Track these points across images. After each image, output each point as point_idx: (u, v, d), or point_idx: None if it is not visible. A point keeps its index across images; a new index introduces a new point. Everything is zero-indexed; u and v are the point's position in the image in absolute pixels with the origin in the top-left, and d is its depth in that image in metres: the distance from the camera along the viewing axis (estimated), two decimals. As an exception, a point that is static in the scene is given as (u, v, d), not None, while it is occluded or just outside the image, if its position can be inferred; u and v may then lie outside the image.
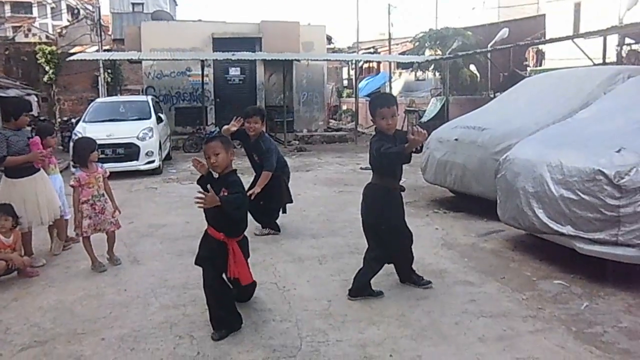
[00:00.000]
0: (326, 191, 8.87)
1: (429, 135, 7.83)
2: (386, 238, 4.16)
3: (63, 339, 3.64)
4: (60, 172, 6.33)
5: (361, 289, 4.16)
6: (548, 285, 4.35)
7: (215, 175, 3.71)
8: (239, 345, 3.46)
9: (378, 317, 3.82)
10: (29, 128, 5.43)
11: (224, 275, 3.67)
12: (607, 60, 11.49)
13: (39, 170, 5.29)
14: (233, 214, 3.52)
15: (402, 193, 4.24)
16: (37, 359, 3.38)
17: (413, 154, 4.32)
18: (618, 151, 4.29)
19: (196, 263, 3.78)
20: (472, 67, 20.21)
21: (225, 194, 3.51)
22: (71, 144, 9.61)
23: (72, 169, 5.30)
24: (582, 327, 3.60)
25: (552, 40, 13.85)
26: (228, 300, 3.69)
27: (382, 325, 3.68)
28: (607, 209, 4.12)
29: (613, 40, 12.88)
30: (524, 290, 4.25)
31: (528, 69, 18.97)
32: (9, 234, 4.87)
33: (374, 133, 4.21)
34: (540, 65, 19.39)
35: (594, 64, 10.74)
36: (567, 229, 4.42)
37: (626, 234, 4.06)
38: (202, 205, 3.43)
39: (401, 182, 4.25)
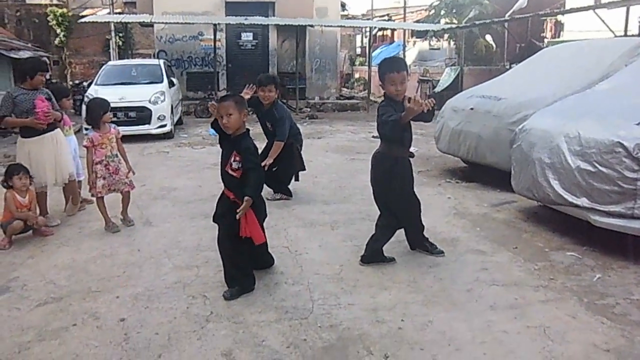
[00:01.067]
0: (338, 158, 8.84)
1: (442, 105, 7.79)
2: (395, 206, 4.14)
3: (78, 296, 3.70)
4: (74, 134, 6.34)
5: (373, 255, 4.17)
6: (560, 257, 4.34)
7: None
8: (251, 306, 3.50)
9: (389, 282, 3.84)
10: (45, 89, 5.40)
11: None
12: (629, 33, 11.22)
13: (52, 130, 5.29)
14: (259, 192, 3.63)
15: (412, 160, 4.17)
16: (54, 315, 3.44)
17: (426, 123, 4.25)
18: (638, 124, 4.21)
19: (213, 220, 3.82)
20: (488, 37, 19.82)
21: (237, 159, 3.51)
22: (83, 106, 9.64)
23: (85, 131, 5.31)
24: (594, 298, 3.59)
25: (572, 10, 13.51)
26: (241, 259, 3.70)
27: (393, 291, 3.70)
28: (625, 181, 4.07)
29: (636, 11, 12.53)
30: (536, 261, 4.24)
31: (545, 40, 18.59)
32: (25, 194, 4.92)
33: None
34: (559, 36, 18.98)
35: (615, 36, 10.49)
36: (582, 201, 4.37)
37: (643, 207, 4.01)
38: (242, 215, 3.47)
39: (412, 149, 4.20)
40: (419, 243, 4.40)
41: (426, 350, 2.97)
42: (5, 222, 4.78)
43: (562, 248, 4.53)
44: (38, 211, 5.13)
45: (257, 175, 3.59)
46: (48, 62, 19.30)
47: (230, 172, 3.54)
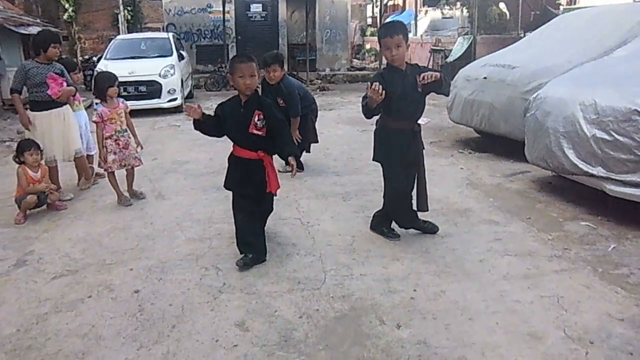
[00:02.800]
0: (349, 130, 8.78)
1: (455, 75, 7.66)
2: (390, 176, 3.97)
3: (93, 269, 3.75)
4: (85, 109, 6.35)
5: (376, 223, 4.17)
6: (575, 227, 4.29)
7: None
8: (264, 277, 3.52)
9: (402, 253, 3.83)
10: (58, 64, 5.40)
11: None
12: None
13: (60, 106, 5.30)
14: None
15: (424, 130, 3.90)
16: (69, 287, 3.49)
17: (445, 96, 4.06)
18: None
19: (228, 187, 3.79)
20: (502, 5, 19.36)
21: (261, 117, 3.53)
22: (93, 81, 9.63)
23: (95, 106, 5.33)
24: (608, 268, 3.56)
25: (589, -24, 13.13)
26: (257, 225, 3.78)
27: (406, 261, 3.69)
28: (642, 150, 4.00)
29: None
30: (550, 231, 4.21)
31: (561, 7, 18.13)
32: (37, 169, 4.95)
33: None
34: (575, 3, 18.50)
35: (635, 1, 10.20)
36: (598, 170, 4.31)
37: (660, 175, 3.94)
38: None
39: (423, 120, 4.07)
40: (411, 223, 4.15)
41: (439, 319, 2.97)
42: (19, 197, 4.83)
43: (576, 218, 4.48)
44: (67, 177, 5.18)
45: (287, 129, 3.76)
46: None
47: (255, 131, 3.54)
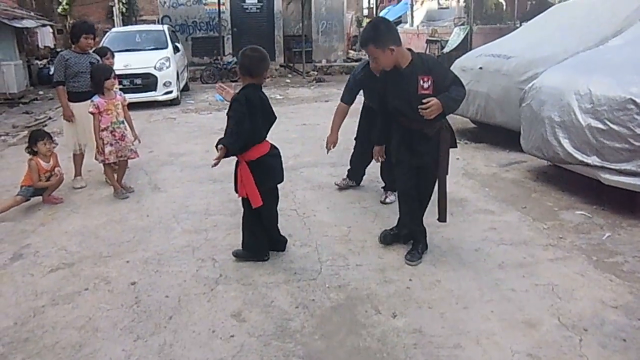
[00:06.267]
0: (345, 121, 8.70)
1: (451, 65, 7.64)
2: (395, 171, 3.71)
3: (89, 262, 3.75)
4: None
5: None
6: (570, 216, 4.31)
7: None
8: (260, 268, 3.53)
9: (397, 243, 3.83)
10: (96, 55, 5.59)
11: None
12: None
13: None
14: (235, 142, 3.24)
15: (431, 135, 3.36)
16: (66, 280, 3.49)
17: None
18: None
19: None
20: (498, -5, 19.33)
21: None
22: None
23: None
24: (603, 256, 3.58)
25: (585, -36, 13.06)
26: (252, 224, 3.59)
27: (402, 251, 3.70)
28: (636, 139, 4.00)
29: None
30: (545, 220, 4.22)
31: (557, -4, 18.09)
32: (48, 159, 4.98)
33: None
34: (571, -8, 18.45)
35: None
36: (593, 160, 4.32)
37: (654, 164, 3.95)
38: (216, 164, 3.17)
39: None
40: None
41: (434, 308, 2.99)
42: (26, 186, 4.85)
43: (571, 207, 4.50)
44: (63, 171, 5.21)
45: (231, 122, 3.22)
46: (52, 30, 19.13)
47: None
